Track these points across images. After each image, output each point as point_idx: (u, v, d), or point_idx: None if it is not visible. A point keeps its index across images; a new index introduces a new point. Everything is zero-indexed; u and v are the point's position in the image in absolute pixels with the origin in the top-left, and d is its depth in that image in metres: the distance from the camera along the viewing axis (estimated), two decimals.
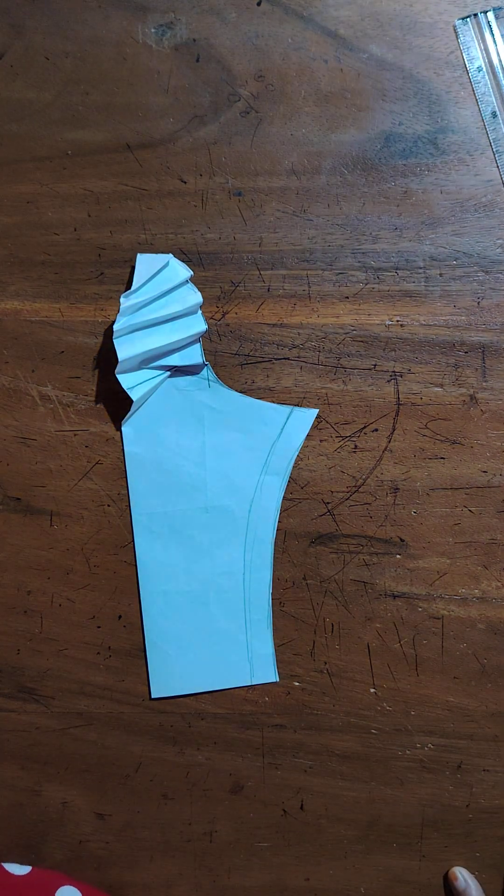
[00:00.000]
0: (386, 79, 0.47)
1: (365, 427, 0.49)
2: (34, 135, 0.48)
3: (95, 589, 0.51)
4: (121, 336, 0.46)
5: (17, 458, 0.50)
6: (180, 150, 0.48)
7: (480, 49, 0.46)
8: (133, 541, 0.50)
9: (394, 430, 0.49)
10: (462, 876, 0.48)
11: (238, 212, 0.48)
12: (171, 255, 0.47)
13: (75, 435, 0.50)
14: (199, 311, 0.48)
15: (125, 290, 0.48)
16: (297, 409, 0.49)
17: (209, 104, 0.48)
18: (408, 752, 0.50)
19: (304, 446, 0.49)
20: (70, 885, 0.48)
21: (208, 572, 0.50)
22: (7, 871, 0.48)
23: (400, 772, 0.50)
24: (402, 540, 0.49)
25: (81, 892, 0.48)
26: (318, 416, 0.49)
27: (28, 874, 0.48)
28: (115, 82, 0.48)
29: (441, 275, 0.48)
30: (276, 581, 0.50)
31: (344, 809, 0.51)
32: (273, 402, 0.49)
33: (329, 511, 0.49)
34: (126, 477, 0.50)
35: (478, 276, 0.48)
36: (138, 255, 0.47)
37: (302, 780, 0.51)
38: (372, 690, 0.50)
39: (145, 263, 0.47)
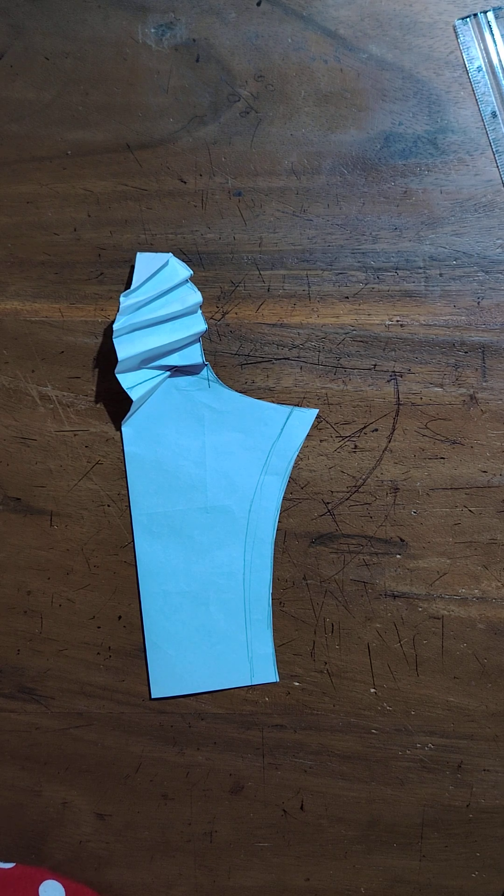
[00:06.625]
0: (386, 79, 0.47)
1: (365, 427, 0.49)
2: (34, 135, 0.48)
3: (95, 589, 0.51)
4: (120, 335, 0.46)
5: (17, 459, 0.50)
6: (180, 150, 0.48)
7: (480, 49, 0.46)
8: (133, 541, 0.50)
9: (394, 430, 0.49)
10: None
11: (238, 212, 0.48)
12: (170, 254, 0.47)
13: (75, 435, 0.50)
14: (199, 311, 0.48)
15: (125, 290, 0.48)
16: (297, 409, 0.49)
17: (209, 104, 0.48)
18: (408, 752, 0.50)
19: (304, 446, 0.49)
20: (53, 879, 0.48)
21: (208, 572, 0.50)
22: None
23: (400, 772, 0.50)
24: (402, 540, 0.49)
25: (64, 886, 0.48)
26: (318, 416, 0.49)
27: (12, 869, 0.49)
28: (114, 82, 0.48)
29: (441, 275, 0.48)
30: (276, 581, 0.50)
31: (344, 809, 0.51)
32: (273, 402, 0.49)
33: (329, 511, 0.49)
34: (126, 477, 0.50)
35: (478, 276, 0.48)
36: (138, 254, 0.47)
37: (302, 780, 0.51)
38: (372, 690, 0.50)
39: (145, 262, 0.47)
